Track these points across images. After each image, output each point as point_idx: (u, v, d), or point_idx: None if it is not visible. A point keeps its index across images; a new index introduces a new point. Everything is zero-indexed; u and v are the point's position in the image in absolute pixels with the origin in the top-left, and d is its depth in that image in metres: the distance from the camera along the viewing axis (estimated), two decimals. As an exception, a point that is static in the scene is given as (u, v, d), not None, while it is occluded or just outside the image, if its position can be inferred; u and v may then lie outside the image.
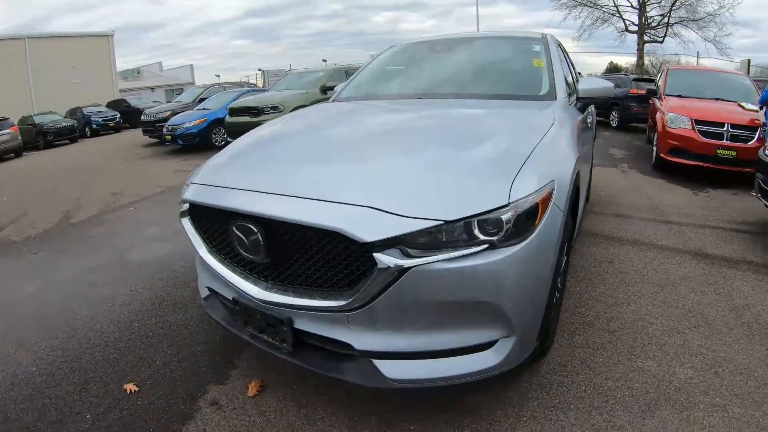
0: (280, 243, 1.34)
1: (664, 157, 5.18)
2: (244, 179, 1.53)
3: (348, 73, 9.13)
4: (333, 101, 2.69)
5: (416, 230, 1.16)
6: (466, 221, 1.17)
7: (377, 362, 1.30)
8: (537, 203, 1.25)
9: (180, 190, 1.75)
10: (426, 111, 2.13)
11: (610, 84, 2.37)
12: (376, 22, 68.47)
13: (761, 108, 4.68)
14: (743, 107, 5.09)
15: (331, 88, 8.23)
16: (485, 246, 1.18)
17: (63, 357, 2.01)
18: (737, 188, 4.70)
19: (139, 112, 14.23)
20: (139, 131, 11.71)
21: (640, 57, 21.99)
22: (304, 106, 7.38)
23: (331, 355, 1.39)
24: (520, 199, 1.20)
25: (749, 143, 4.70)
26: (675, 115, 5.14)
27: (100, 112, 16.22)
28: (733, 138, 4.77)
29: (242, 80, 23.71)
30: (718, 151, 4.78)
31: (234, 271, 1.50)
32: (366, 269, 1.22)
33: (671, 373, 1.73)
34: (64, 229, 4.18)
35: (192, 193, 1.61)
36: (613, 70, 25.35)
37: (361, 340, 1.30)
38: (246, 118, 7.56)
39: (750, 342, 1.92)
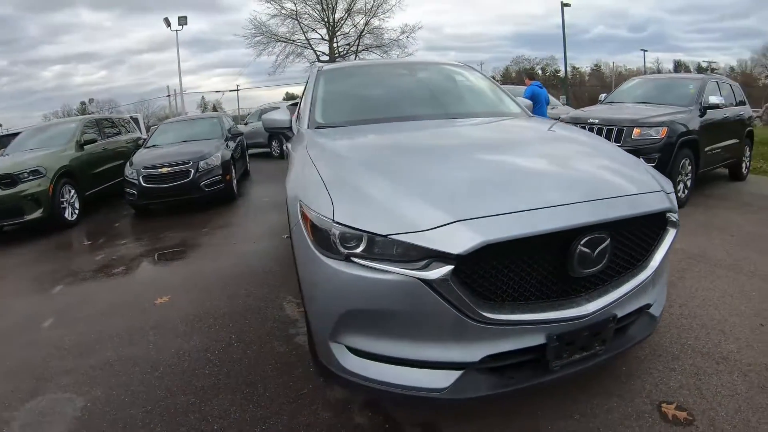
0: (611, 243, 1.49)
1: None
2: (499, 201, 1.46)
3: (99, 123, 7.90)
4: (317, 129, 2.50)
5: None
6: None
7: (651, 309, 1.74)
8: None
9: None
10: (488, 126, 2.54)
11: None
12: (44, 78, 59.45)
13: None
14: None
15: (91, 142, 7.19)
16: None
17: None
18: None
19: None
20: None
21: None
22: (68, 166, 6.32)
23: (618, 332, 1.64)
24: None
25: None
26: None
27: None
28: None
29: None
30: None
31: (543, 309, 1.44)
32: (656, 235, 1.66)
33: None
34: None
35: (485, 233, 1.32)
36: (290, 98, 29.35)
37: (653, 295, 1.72)
38: (-4, 191, 5.54)
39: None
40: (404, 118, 2.57)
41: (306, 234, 1.56)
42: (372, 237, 1.38)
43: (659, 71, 36.44)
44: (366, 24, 25.92)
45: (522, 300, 1.44)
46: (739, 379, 1.92)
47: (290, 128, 2.72)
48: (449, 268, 1.32)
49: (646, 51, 41.82)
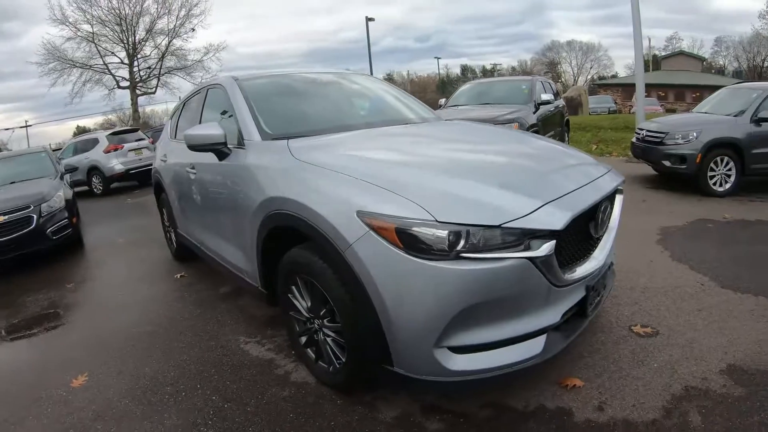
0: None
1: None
2: (556, 186, 1.77)
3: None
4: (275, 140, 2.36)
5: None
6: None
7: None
8: None
9: None
10: (436, 129, 2.77)
11: None
12: None
13: None
14: None
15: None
16: None
17: None
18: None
19: None
20: None
21: (136, 110, 26.61)
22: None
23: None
24: None
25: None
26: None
27: None
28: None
29: None
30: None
31: (584, 266, 1.80)
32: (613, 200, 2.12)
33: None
34: None
35: (568, 209, 1.62)
36: (82, 132, 26.80)
37: (614, 248, 2.16)
38: None
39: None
40: (373, 124, 2.68)
41: (388, 244, 1.53)
42: (474, 229, 1.48)
43: (449, 76, 43.19)
44: (168, 45, 25.44)
45: (572, 262, 1.80)
46: (665, 297, 2.68)
47: (225, 144, 2.50)
48: (553, 242, 1.55)
49: (439, 58, 49.26)
